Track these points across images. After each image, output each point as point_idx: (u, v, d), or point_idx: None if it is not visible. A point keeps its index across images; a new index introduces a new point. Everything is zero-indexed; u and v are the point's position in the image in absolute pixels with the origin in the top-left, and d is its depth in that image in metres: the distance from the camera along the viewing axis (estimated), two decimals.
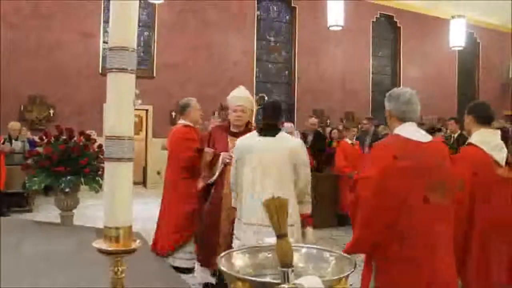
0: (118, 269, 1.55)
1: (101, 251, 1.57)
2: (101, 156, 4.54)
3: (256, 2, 12.53)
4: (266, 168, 3.11)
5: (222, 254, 1.68)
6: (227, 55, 11.95)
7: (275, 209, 1.43)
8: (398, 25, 15.08)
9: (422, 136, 2.42)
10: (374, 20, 14.56)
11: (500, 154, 3.11)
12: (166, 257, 4.08)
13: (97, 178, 4.65)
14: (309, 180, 3.20)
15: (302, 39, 13.16)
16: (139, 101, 4.59)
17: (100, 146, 4.75)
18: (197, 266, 3.76)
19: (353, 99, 13.95)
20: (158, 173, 11.19)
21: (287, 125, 6.98)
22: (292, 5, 13.09)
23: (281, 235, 1.43)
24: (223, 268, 1.57)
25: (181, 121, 4.48)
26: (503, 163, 3.08)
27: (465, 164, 2.99)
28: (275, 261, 1.78)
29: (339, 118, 13.80)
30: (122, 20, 1.58)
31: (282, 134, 3.19)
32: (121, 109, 1.56)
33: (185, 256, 4.11)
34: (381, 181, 2.27)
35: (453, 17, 12.82)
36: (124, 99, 1.57)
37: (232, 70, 11.81)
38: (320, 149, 7.76)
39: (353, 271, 1.55)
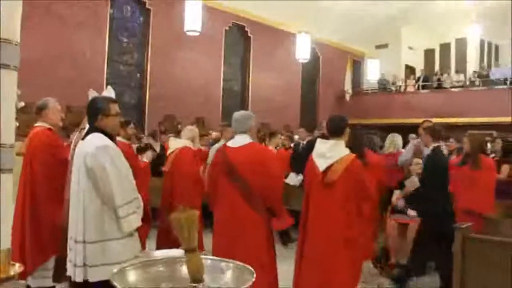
0: None
1: None
2: None
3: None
4: (72, 175, 2.95)
5: (115, 270, 1.56)
6: (75, 53, 11.16)
7: (185, 222, 1.35)
8: (249, 35, 15.67)
9: (237, 143, 3.68)
10: (227, 28, 14.93)
11: (318, 160, 3.50)
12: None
13: None
14: (116, 188, 2.77)
15: (156, 42, 12.90)
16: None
17: None
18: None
19: (204, 105, 14.06)
20: None
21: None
22: (147, 6, 12.77)
23: (191, 249, 1.37)
24: (118, 286, 1.45)
25: (40, 123, 3.98)
26: (321, 169, 3.45)
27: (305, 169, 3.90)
28: (168, 275, 1.70)
29: (190, 124, 13.79)
30: (4, 9, 1.36)
31: (90, 137, 2.89)
32: (1, 112, 1.34)
33: (46, 274, 3.70)
34: (211, 172, 3.91)
35: (299, 32, 13.76)
36: (5, 100, 1.36)
37: (80, 69, 11.06)
38: None
39: (253, 280, 1.54)
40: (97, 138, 2.87)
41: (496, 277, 3.19)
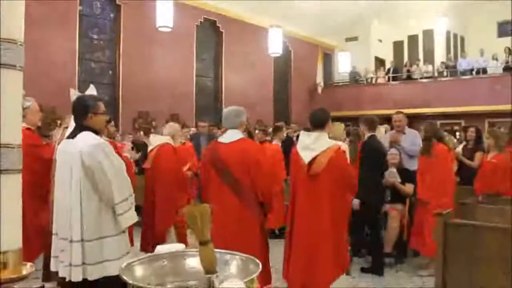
0: None
1: None
2: None
3: None
4: (60, 174, 2.93)
5: (123, 265, 1.58)
6: (45, 52, 10.92)
7: (199, 215, 1.38)
8: (221, 30, 15.63)
9: (229, 139, 3.66)
10: (198, 24, 14.84)
11: (303, 152, 3.57)
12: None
13: None
14: (114, 185, 2.79)
15: (127, 39, 12.73)
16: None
17: None
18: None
19: (178, 102, 13.98)
20: None
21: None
22: (117, 3, 12.58)
23: (204, 242, 1.39)
24: (130, 281, 1.47)
25: None
26: (306, 161, 3.53)
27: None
28: (172, 269, 1.73)
29: (164, 121, 13.69)
30: (8, 8, 1.36)
31: (82, 135, 2.87)
32: (7, 112, 1.34)
33: (34, 275, 3.64)
34: (203, 169, 3.85)
35: (271, 26, 13.80)
36: (11, 101, 1.36)
37: (52, 69, 10.84)
38: None
39: (260, 270, 1.57)
40: (89, 137, 2.86)
41: (478, 261, 3.32)
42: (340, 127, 6.09)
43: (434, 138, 5.12)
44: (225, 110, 3.80)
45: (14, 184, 1.34)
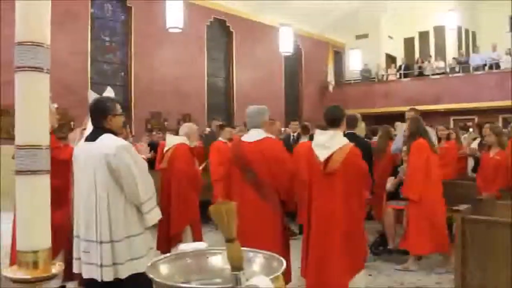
0: None
1: (16, 280, 1.36)
2: None
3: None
4: (81, 176, 2.95)
5: (149, 264, 1.60)
6: (57, 54, 10.99)
7: (225, 213, 1.39)
8: (231, 29, 15.65)
9: (252, 137, 3.74)
10: (208, 24, 14.88)
11: (319, 150, 3.56)
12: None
13: None
14: (140, 185, 2.84)
15: (138, 40, 12.80)
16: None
17: None
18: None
19: (189, 102, 14.04)
20: None
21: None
22: (128, 4, 12.66)
23: (231, 239, 1.41)
24: (156, 279, 1.48)
25: None
26: (321, 159, 3.52)
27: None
28: (197, 267, 1.74)
29: (176, 120, 13.76)
30: (35, 12, 1.38)
31: (104, 137, 2.90)
32: (35, 114, 1.36)
33: None
34: (226, 166, 4.04)
35: (282, 25, 13.79)
36: (39, 102, 1.38)
37: (63, 71, 10.91)
38: None
39: (284, 267, 1.58)
40: (112, 139, 2.89)
41: (496, 257, 3.29)
42: (362, 124, 6.08)
43: (418, 135, 5.06)
44: (248, 109, 3.87)
45: (43, 184, 1.36)
